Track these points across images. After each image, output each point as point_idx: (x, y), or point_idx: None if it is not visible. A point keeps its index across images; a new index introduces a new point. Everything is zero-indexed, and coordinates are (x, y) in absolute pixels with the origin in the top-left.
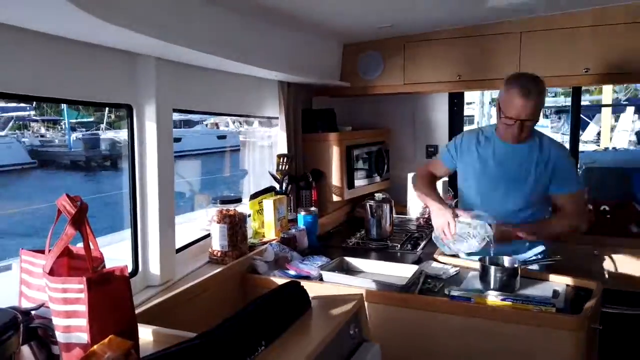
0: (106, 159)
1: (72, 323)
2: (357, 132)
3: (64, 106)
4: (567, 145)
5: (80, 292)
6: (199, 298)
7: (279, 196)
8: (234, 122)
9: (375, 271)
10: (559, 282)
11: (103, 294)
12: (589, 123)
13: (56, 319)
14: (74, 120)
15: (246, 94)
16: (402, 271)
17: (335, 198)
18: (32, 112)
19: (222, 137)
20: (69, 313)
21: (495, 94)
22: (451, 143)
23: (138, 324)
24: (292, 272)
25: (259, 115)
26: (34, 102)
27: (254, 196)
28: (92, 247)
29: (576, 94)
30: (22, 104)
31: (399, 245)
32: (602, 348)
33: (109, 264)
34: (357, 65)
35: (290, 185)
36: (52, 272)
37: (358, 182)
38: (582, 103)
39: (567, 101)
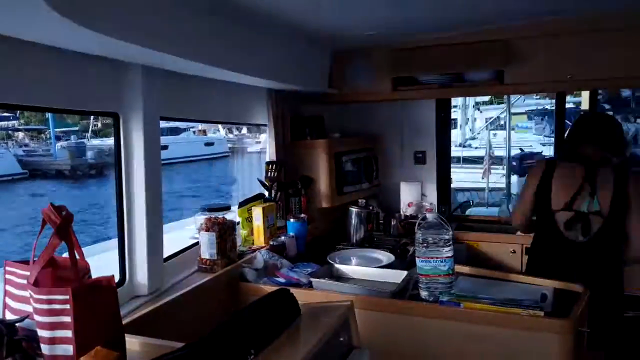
0: (92, 167)
1: (57, 335)
2: (346, 138)
3: (48, 115)
4: (552, 149)
5: (66, 303)
6: (188, 307)
7: (268, 203)
8: (224, 128)
9: (365, 277)
10: (547, 285)
11: (89, 304)
12: (570, 125)
13: (41, 330)
14: (59, 129)
15: (235, 102)
16: (391, 277)
17: (325, 205)
18: (16, 122)
19: (209, 144)
20: (54, 324)
21: (478, 99)
22: None
23: (125, 335)
24: (281, 280)
25: (247, 123)
26: (18, 112)
27: (242, 203)
28: (77, 257)
29: (560, 98)
30: (5, 114)
31: (389, 251)
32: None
33: (95, 274)
34: (346, 73)
35: (279, 192)
36: (36, 283)
37: (347, 189)
38: (566, 105)
39: (551, 103)
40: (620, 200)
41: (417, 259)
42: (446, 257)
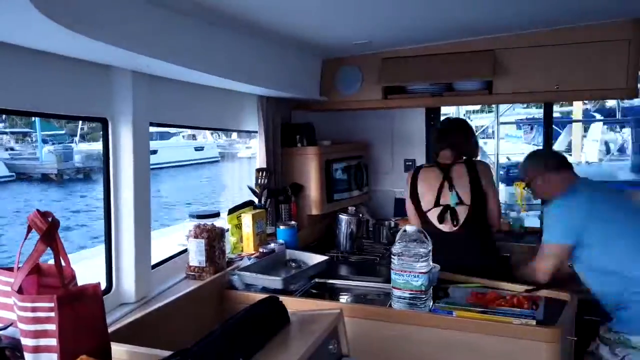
0: (79, 171)
1: (41, 343)
2: (336, 146)
3: (35, 118)
4: None
5: (51, 310)
6: (176, 315)
7: (257, 210)
8: (212, 134)
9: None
10: (538, 294)
11: (74, 312)
12: (560, 133)
13: (25, 339)
14: (45, 133)
15: (225, 108)
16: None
17: (315, 212)
18: (1, 125)
19: (199, 149)
20: (39, 333)
21: (468, 108)
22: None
23: (111, 343)
24: None
25: (238, 129)
26: (4, 115)
27: (232, 210)
28: (63, 263)
29: (548, 108)
30: None
31: (378, 259)
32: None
33: (81, 282)
34: (336, 80)
35: (269, 199)
36: (21, 291)
37: (337, 196)
38: (554, 115)
39: (539, 112)
40: (477, 187)
41: (391, 270)
42: (419, 273)
